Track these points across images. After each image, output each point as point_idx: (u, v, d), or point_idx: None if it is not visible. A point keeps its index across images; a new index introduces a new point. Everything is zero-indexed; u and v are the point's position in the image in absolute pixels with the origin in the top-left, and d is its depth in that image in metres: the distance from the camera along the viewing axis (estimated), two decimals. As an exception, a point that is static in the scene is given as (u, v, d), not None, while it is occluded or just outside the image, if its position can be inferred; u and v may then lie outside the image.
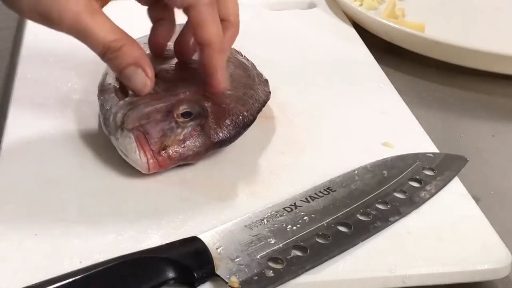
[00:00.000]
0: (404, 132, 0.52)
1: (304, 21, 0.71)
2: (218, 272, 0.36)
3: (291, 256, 0.38)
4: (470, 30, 0.71)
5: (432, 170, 0.46)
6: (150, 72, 0.44)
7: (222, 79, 0.46)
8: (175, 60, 0.51)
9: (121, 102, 0.46)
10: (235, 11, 0.48)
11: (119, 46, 0.43)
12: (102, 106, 0.48)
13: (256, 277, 0.36)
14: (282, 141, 0.50)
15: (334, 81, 0.59)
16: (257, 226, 0.40)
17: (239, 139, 0.47)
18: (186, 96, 0.46)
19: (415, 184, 0.45)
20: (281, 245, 0.38)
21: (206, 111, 0.45)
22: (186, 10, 0.45)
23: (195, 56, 0.50)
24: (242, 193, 0.44)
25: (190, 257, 0.37)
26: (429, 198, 0.44)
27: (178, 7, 0.46)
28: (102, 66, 0.58)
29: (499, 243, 0.41)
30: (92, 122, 0.51)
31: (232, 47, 0.54)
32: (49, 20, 0.42)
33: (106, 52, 0.43)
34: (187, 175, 0.46)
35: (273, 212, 0.41)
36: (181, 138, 0.44)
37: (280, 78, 0.55)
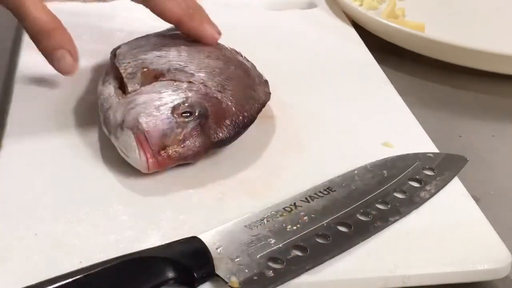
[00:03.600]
0: (404, 132, 0.52)
1: (304, 21, 0.71)
2: (218, 272, 0.36)
3: (291, 256, 0.38)
4: (470, 30, 0.71)
5: (432, 170, 0.46)
6: (76, 57, 0.48)
7: (208, 34, 0.51)
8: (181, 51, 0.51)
9: (122, 100, 0.46)
10: None
11: (51, 29, 0.47)
12: (101, 105, 0.48)
13: (256, 277, 0.36)
14: (282, 141, 0.50)
15: (334, 81, 0.59)
16: (257, 226, 0.40)
17: (239, 139, 0.47)
18: (187, 95, 0.46)
19: (415, 184, 0.45)
20: (281, 245, 0.38)
21: (206, 111, 0.45)
22: (145, 2, 0.50)
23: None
24: (242, 193, 0.44)
25: (190, 257, 0.37)
26: (429, 198, 0.44)
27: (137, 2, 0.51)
28: (103, 65, 0.58)
29: (499, 243, 0.41)
30: (92, 121, 0.50)
31: (232, 47, 0.54)
32: None
33: (37, 33, 0.47)
34: (187, 175, 0.46)
35: (273, 212, 0.41)
36: (181, 138, 0.44)
37: (280, 78, 0.55)
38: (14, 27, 0.68)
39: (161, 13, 0.50)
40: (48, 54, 0.48)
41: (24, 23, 0.47)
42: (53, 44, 0.47)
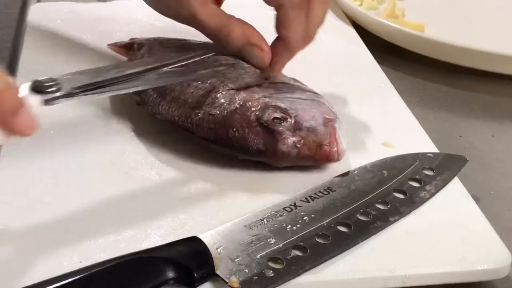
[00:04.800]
0: (404, 132, 0.52)
1: (304, 21, 0.71)
2: (218, 272, 0.36)
3: (291, 256, 0.38)
4: (470, 30, 0.71)
5: (432, 170, 0.46)
6: (266, 47, 0.50)
7: (277, 70, 0.52)
8: None
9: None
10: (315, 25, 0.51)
11: (227, 32, 0.49)
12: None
13: (256, 277, 0.36)
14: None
15: (334, 81, 0.59)
16: (257, 226, 0.40)
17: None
18: None
19: (415, 184, 0.45)
20: (281, 245, 0.38)
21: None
22: (276, 8, 0.50)
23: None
24: (242, 193, 0.44)
25: (190, 257, 0.37)
26: (429, 198, 0.44)
27: (270, 5, 0.51)
28: (102, 65, 0.58)
29: (499, 243, 0.41)
30: (92, 121, 0.51)
31: None
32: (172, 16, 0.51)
33: (216, 38, 0.49)
34: (187, 175, 0.46)
35: (273, 212, 0.41)
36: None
37: (280, 78, 0.55)
38: (14, 27, 0.68)
39: (281, 23, 0.51)
40: (239, 52, 0.50)
41: (204, 33, 0.50)
42: (234, 44, 0.49)
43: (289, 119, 0.45)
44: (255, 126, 0.45)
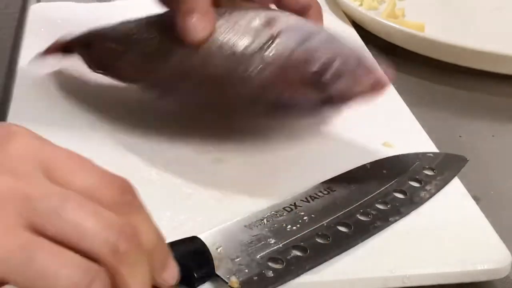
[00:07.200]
0: (404, 132, 0.52)
1: (304, 21, 0.71)
2: (218, 272, 0.36)
3: (291, 256, 0.38)
4: (470, 30, 0.71)
5: (432, 170, 0.46)
6: None
7: None
8: None
9: None
10: None
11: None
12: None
13: (256, 277, 0.36)
14: (282, 141, 0.50)
15: (334, 81, 0.59)
16: (257, 226, 0.40)
17: (238, 139, 0.46)
18: None
19: (415, 184, 0.45)
20: (281, 245, 0.38)
21: None
22: None
23: None
24: (242, 193, 0.44)
25: (190, 257, 0.37)
26: (429, 198, 0.44)
27: None
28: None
29: (499, 243, 0.41)
30: (93, 121, 0.50)
31: None
32: None
33: None
34: (187, 174, 0.46)
35: (273, 212, 0.41)
36: None
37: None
38: (14, 27, 0.68)
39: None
40: None
41: None
42: None
43: (328, 69, 0.44)
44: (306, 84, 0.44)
